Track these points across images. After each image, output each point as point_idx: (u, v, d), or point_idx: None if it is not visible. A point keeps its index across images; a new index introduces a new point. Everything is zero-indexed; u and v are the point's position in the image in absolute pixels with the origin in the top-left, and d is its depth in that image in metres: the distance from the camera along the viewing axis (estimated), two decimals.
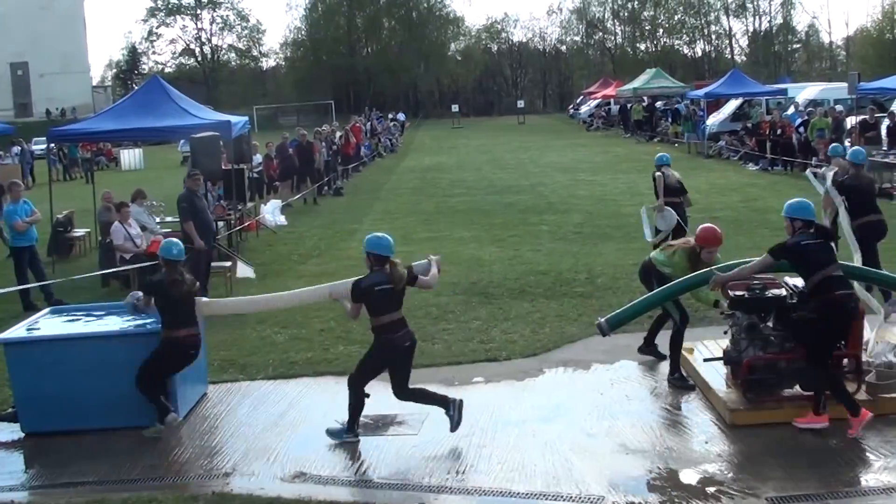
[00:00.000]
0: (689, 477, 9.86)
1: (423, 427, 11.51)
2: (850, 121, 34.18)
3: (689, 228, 18.45)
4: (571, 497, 9.50)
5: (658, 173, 19.49)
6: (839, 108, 36.69)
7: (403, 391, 11.31)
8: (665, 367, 13.01)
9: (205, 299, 12.73)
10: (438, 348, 14.89)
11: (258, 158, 34.41)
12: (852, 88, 33.69)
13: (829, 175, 17.51)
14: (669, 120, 59.54)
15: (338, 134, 44.86)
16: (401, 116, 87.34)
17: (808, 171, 20.66)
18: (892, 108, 35.34)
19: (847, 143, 33.28)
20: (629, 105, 69.72)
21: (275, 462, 10.72)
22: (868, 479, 9.58)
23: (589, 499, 9.45)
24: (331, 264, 22.52)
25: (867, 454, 10.14)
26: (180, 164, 52.03)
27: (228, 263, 20.25)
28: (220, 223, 23.87)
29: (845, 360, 11.37)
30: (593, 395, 12.41)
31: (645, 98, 68.92)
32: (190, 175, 19.25)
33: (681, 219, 18.97)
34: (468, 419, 11.21)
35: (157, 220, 23.44)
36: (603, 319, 12.04)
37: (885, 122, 32.33)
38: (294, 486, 10.06)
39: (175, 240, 12.67)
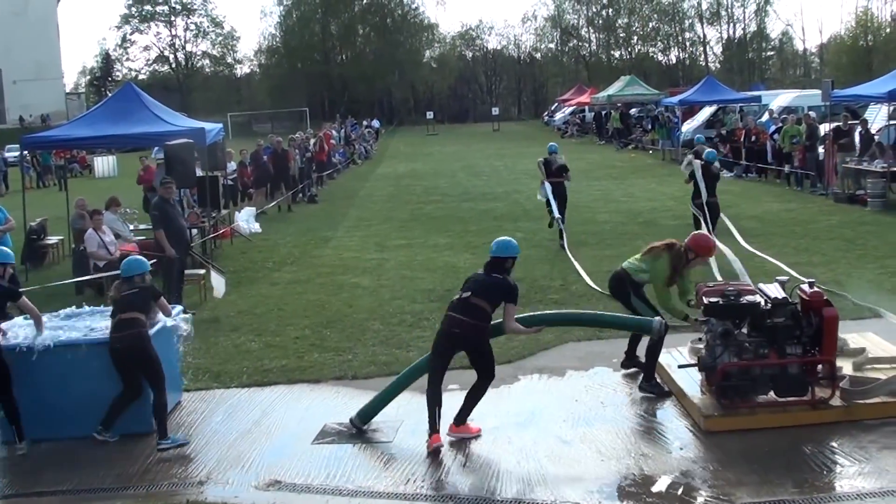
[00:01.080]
0: (663, 483, 9.88)
1: (398, 434, 11.50)
2: (824, 128, 34.30)
3: (568, 201, 25.35)
4: (546, 503, 9.52)
5: (540, 159, 25.65)
6: (813, 114, 36.81)
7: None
8: (640, 374, 13.03)
9: None
10: (413, 356, 14.80)
11: (232, 166, 34.28)
12: (826, 95, 33.79)
13: (697, 163, 23.50)
14: (649, 126, 59.67)
15: (312, 141, 44.77)
16: (375, 123, 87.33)
17: (686, 159, 25.68)
18: (864, 116, 35.51)
19: (821, 150, 33.48)
20: (604, 112, 69.91)
21: (249, 470, 10.70)
22: (842, 485, 9.62)
23: None
24: (305, 271, 22.52)
25: (841, 459, 10.18)
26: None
27: (202, 271, 20.20)
28: (195, 231, 23.80)
29: (819, 367, 11.42)
30: (568, 401, 12.42)
31: (618, 105, 69.18)
32: (162, 183, 19.21)
33: (561, 195, 24.82)
34: (443, 427, 11.21)
35: (131, 227, 23.39)
36: (354, 415, 11.84)
37: (858, 129, 32.46)
38: (268, 495, 10.05)
39: (134, 256, 12.77)
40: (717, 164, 24.23)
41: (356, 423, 11.73)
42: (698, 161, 23.61)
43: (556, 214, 24.14)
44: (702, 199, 22.94)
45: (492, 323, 11.62)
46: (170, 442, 11.55)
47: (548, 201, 24.60)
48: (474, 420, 11.61)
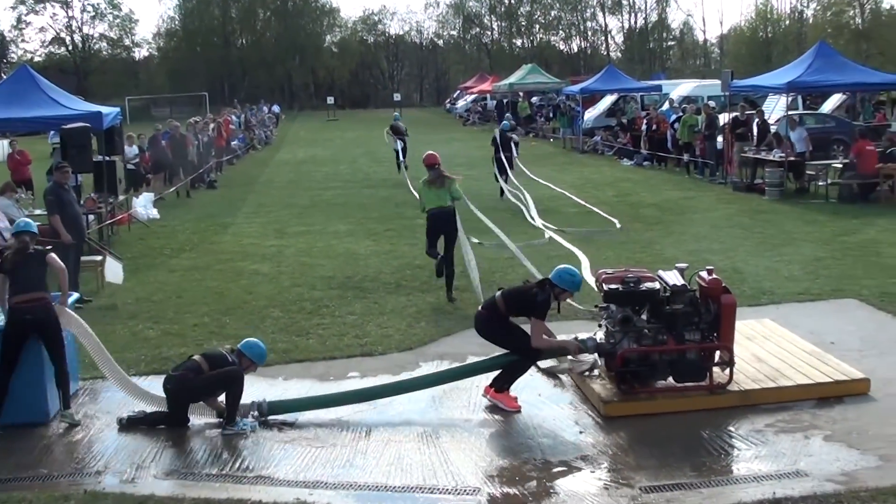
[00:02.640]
0: (563, 467, 9.97)
1: (297, 424, 11.46)
2: (724, 117, 34.74)
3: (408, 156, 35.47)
4: (448, 489, 9.55)
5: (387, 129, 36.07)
6: (712, 104, 37.29)
7: None
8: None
9: (67, 309, 12.41)
10: (313, 343, 14.82)
11: (134, 150, 33.84)
12: (725, 85, 34.22)
13: (497, 131, 32.91)
14: (551, 114, 59.98)
15: (210, 126, 44.36)
16: (276, 108, 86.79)
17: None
18: (761, 107, 36.02)
19: (720, 140, 33.91)
20: (506, 101, 70.08)
21: (147, 459, 10.59)
22: (739, 468, 9.78)
23: (465, 490, 9.51)
24: (204, 258, 22.35)
25: (738, 443, 10.35)
26: (50, 156, 51.08)
27: (99, 257, 19.94)
28: (91, 217, 23.50)
29: (717, 353, 11.58)
30: (469, 388, 12.43)
31: (520, 94, 69.48)
32: (58, 167, 18.92)
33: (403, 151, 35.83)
34: (345, 413, 11.21)
35: (27, 212, 23.00)
36: (265, 402, 11.77)
37: (756, 120, 32.90)
38: (167, 483, 9.95)
39: (25, 219, 12.61)
40: (511, 133, 33.46)
41: (262, 410, 11.65)
42: (497, 129, 33.52)
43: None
44: (500, 154, 31.00)
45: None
46: (70, 413, 11.75)
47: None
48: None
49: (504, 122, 36.49)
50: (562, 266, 12.02)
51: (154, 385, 12.30)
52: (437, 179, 17.58)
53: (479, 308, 12.38)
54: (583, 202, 28.00)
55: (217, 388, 11.49)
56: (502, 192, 29.88)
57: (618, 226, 24.25)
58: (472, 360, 13.50)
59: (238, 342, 12.21)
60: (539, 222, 24.48)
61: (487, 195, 29.08)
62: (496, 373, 11.94)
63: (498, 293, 12.06)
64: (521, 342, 11.84)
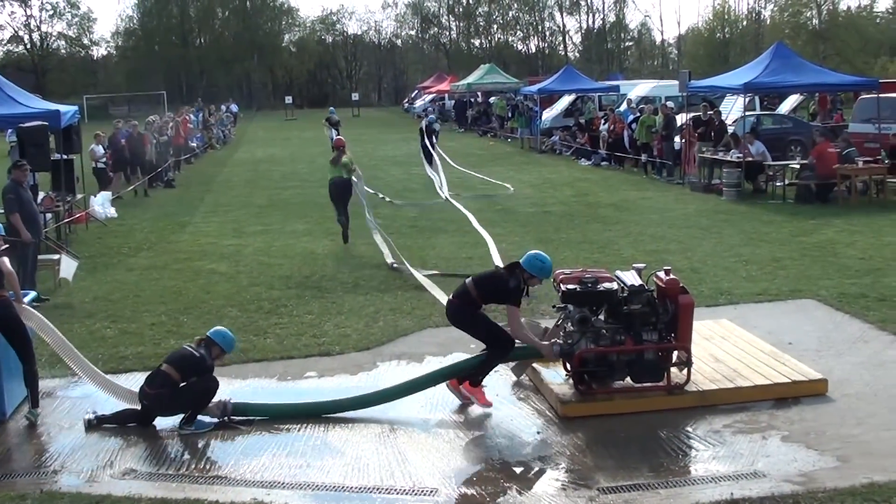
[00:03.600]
0: (521, 468, 9.94)
1: (254, 426, 11.38)
2: (681, 118, 34.83)
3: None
4: (405, 490, 9.50)
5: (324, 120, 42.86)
6: (670, 104, 37.36)
7: None
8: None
9: (26, 306, 12.28)
10: (270, 343, 14.75)
11: (101, 150, 33.62)
12: (683, 86, 34.30)
13: (423, 123, 41.05)
14: (509, 114, 60.01)
15: (169, 125, 44.16)
16: (234, 107, 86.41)
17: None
18: (718, 108, 36.14)
19: (678, 140, 33.98)
20: (465, 100, 70.20)
21: (104, 459, 10.48)
22: (697, 468, 9.78)
23: (423, 491, 9.47)
24: (161, 257, 22.24)
25: (696, 444, 10.35)
26: (7, 154, 50.72)
27: (56, 256, 19.78)
28: (49, 215, 23.35)
29: (675, 353, 11.58)
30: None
31: (479, 94, 69.58)
32: (16, 165, 18.77)
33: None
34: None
35: None
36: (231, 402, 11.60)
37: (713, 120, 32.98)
38: (124, 483, 9.86)
39: None
40: (434, 125, 40.63)
41: (226, 410, 11.53)
42: (424, 121, 41.20)
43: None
44: (425, 141, 38.31)
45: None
46: (37, 412, 11.72)
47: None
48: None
49: (430, 115, 46.82)
50: (532, 251, 11.93)
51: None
52: (337, 158, 23.71)
53: (451, 297, 12.19)
54: (482, 176, 35.32)
55: (192, 402, 11.37)
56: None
57: (510, 190, 31.76)
58: (429, 360, 13.49)
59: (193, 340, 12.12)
60: (445, 194, 30.69)
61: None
62: None
63: (469, 279, 11.94)
64: (495, 332, 11.79)
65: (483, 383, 11.86)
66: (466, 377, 11.81)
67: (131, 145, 35.87)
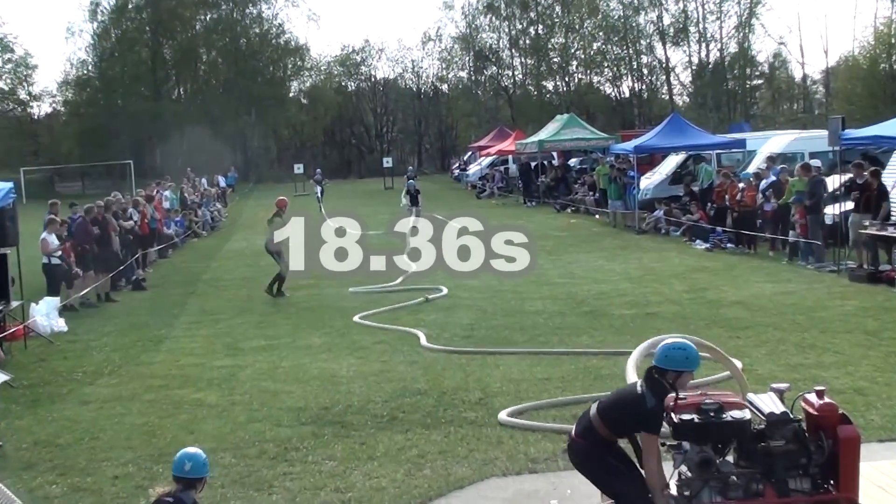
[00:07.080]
0: None
1: None
2: (832, 181, 34.39)
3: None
4: None
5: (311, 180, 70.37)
6: (816, 163, 36.93)
7: None
8: None
9: None
10: (278, 501, 14.64)
11: (55, 240, 33.74)
12: (834, 137, 33.47)
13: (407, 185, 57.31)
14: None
15: (139, 206, 44.26)
16: (222, 180, 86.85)
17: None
18: (889, 163, 35.52)
19: (829, 210, 33.62)
20: (535, 164, 70.34)
21: None
22: None
23: None
24: (129, 385, 22.18)
25: None
26: None
27: None
28: None
29: None
30: None
31: (554, 154, 69.75)
32: None
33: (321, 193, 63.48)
34: None
35: None
36: None
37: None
38: None
39: None
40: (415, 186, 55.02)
41: None
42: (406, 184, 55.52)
43: None
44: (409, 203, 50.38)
45: None
46: None
47: None
48: None
49: (410, 170, 60.49)
50: (665, 343, 11.66)
51: None
52: (272, 218, 32.57)
53: (572, 434, 11.75)
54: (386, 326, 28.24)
55: None
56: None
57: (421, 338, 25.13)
58: None
59: None
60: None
61: None
62: None
63: (592, 409, 11.61)
64: (631, 488, 11.38)
65: None
66: None
67: (88, 234, 35.92)
